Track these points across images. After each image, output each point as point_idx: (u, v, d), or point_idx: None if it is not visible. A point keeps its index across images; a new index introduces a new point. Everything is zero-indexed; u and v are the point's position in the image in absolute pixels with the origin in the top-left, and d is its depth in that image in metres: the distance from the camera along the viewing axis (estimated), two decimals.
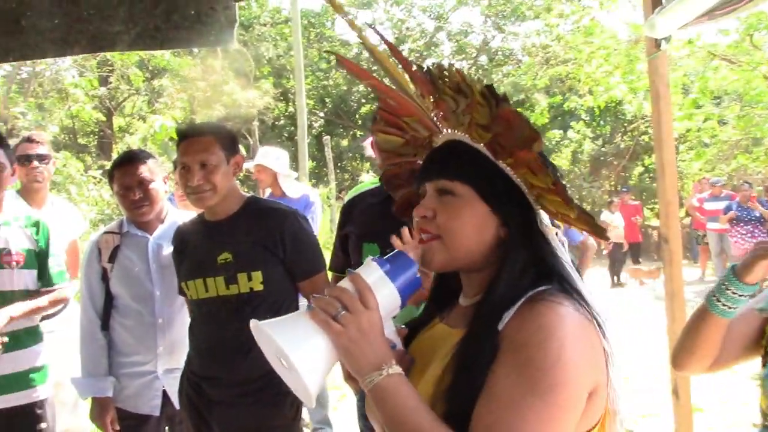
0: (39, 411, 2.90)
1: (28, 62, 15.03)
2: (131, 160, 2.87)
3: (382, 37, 1.37)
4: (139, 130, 15.36)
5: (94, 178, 13.18)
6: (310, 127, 19.66)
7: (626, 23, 11.92)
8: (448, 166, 1.24)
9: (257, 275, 2.43)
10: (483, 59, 25.94)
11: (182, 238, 2.64)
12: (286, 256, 2.46)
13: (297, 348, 1.09)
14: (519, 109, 1.15)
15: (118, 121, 19.47)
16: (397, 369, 1.12)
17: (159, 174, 2.90)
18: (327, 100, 25.08)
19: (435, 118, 1.30)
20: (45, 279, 2.97)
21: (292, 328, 1.12)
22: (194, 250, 2.55)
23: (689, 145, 13.89)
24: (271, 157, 4.83)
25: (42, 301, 2.91)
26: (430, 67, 1.20)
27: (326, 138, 15.70)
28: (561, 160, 20.97)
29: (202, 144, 2.45)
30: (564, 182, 1.15)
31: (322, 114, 25.16)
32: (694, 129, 11.86)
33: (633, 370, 6.31)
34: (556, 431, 1.06)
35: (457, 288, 1.34)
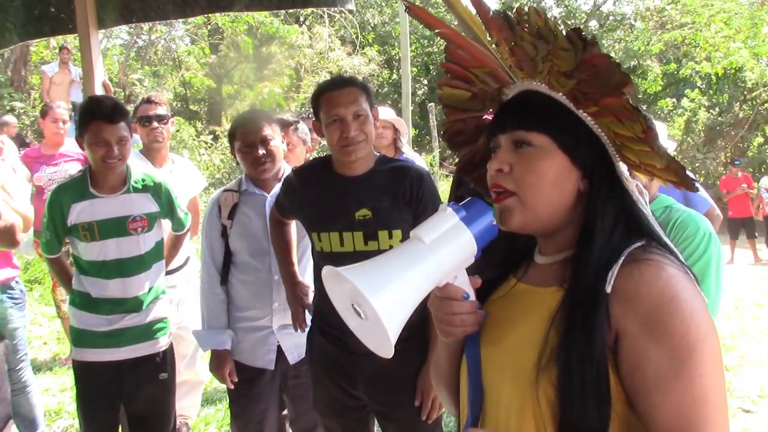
0: (159, 360, 3.03)
1: (144, 30, 15.63)
2: (254, 118, 2.91)
3: None
4: (248, 97, 15.74)
5: (206, 143, 13.64)
6: (413, 94, 19.57)
7: None
8: (525, 116, 1.17)
9: (398, 233, 2.41)
10: (593, 24, 25.02)
11: (305, 183, 2.60)
12: (418, 214, 2.42)
13: (377, 292, 1.05)
14: (631, 76, 1.08)
15: (227, 89, 20.01)
16: None
17: (279, 133, 2.93)
18: (431, 67, 24.84)
19: (510, 68, 1.21)
20: (176, 225, 3.18)
21: (375, 272, 1.09)
22: (326, 203, 2.51)
23: None
24: (392, 114, 4.77)
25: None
26: (508, 12, 1.12)
27: (430, 105, 15.57)
28: (673, 130, 20.04)
29: (352, 95, 2.42)
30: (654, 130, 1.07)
31: (426, 81, 24.97)
32: None
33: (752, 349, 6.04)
34: (723, 396, 1.04)
35: (526, 246, 1.30)
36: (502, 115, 1.22)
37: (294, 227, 2.84)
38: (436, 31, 1.25)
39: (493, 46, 1.19)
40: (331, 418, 2.67)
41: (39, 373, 5.28)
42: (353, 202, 2.44)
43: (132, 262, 2.92)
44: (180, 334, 3.64)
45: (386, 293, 1.05)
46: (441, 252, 1.11)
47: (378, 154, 2.62)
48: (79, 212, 2.86)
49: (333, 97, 2.42)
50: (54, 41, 12.98)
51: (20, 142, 7.61)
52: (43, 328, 6.42)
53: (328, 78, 2.66)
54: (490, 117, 1.31)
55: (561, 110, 1.15)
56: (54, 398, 4.80)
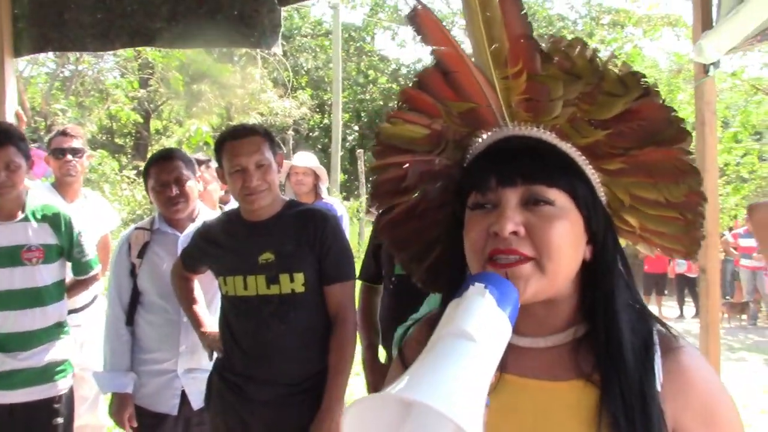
0: (56, 405, 2.88)
1: (71, 60, 15.29)
2: (169, 157, 2.86)
3: None
4: (176, 134, 15.53)
5: (128, 178, 13.33)
6: (344, 140, 19.74)
7: (669, 52, 11.84)
8: (542, 169, 0.97)
9: (299, 276, 2.40)
10: None
11: (215, 232, 2.60)
12: (322, 257, 2.42)
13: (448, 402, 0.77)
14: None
15: (155, 124, 19.68)
16: None
17: (194, 173, 2.89)
18: (363, 114, 25.15)
19: (509, 107, 1.01)
20: (77, 267, 3.01)
21: (442, 385, 0.79)
22: (232, 247, 2.51)
23: (727, 179, 13.68)
24: (314, 161, 4.79)
25: None
26: (545, 39, 0.94)
27: (359, 151, 15.73)
28: None
29: (255, 144, 2.42)
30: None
31: (356, 128, 25.23)
32: (733, 163, 11.67)
33: None
34: None
35: None
36: (504, 164, 0.99)
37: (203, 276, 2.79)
38: (432, 49, 0.99)
39: (504, 78, 0.97)
40: None
41: None
42: (257, 246, 2.44)
43: (25, 295, 2.78)
44: (82, 376, 3.48)
45: (466, 408, 0.79)
46: (490, 346, 0.87)
47: (287, 198, 2.63)
48: None
49: (235, 147, 2.42)
50: None
51: None
52: None
53: (234, 126, 2.62)
54: (436, 164, 1.12)
55: (569, 164, 1.00)
56: None
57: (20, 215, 2.80)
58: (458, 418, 0.75)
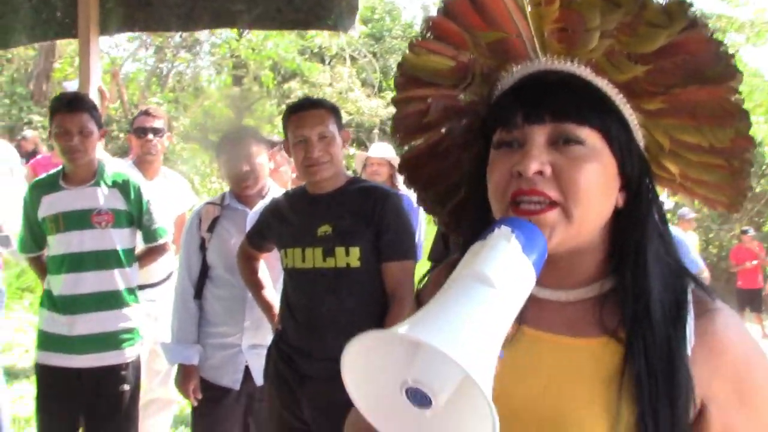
0: (123, 372, 2.95)
1: (168, 57, 15.87)
2: (241, 135, 2.91)
3: None
4: (267, 131, 15.86)
5: (218, 170, 13.68)
6: None
7: None
8: (573, 105, 0.89)
9: (355, 251, 2.38)
10: None
11: (282, 206, 2.61)
12: (381, 233, 2.39)
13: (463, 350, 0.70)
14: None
15: (247, 122, 20.18)
16: None
17: (266, 151, 2.92)
18: None
19: (542, 38, 0.93)
20: (146, 234, 3.08)
21: (449, 326, 0.73)
22: (294, 220, 2.52)
23: None
24: (390, 152, 4.78)
25: None
26: None
27: None
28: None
29: (319, 116, 2.43)
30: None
31: None
32: None
33: None
34: None
35: None
36: (532, 99, 0.91)
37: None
38: None
39: (536, 4, 0.90)
40: None
41: (16, 380, 5.21)
42: (316, 218, 2.44)
43: (94, 257, 2.86)
44: (155, 350, 3.58)
45: (476, 355, 0.71)
46: (510, 294, 0.79)
47: (351, 175, 2.62)
48: (48, 204, 2.85)
49: (299, 118, 2.43)
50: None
51: (34, 153, 7.70)
52: (27, 336, 6.35)
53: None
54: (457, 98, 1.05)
55: (604, 101, 0.92)
56: (27, 407, 4.71)
57: (91, 181, 2.90)
58: (466, 364, 0.68)
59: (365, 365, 0.78)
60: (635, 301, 0.89)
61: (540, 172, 0.87)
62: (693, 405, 0.85)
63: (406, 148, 1.13)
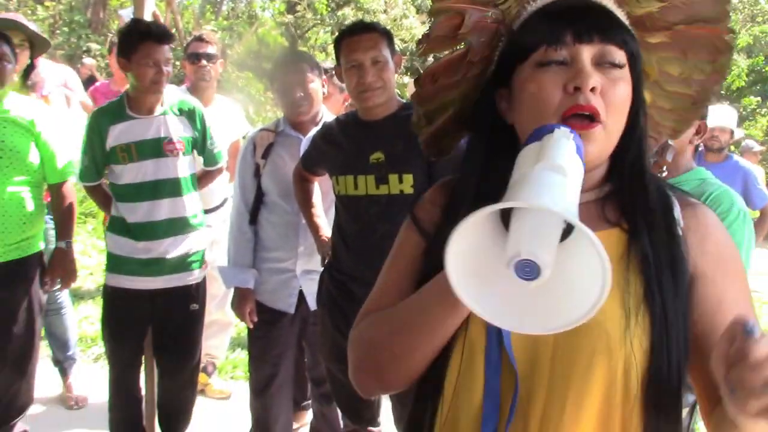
0: (194, 293, 3.06)
1: None
2: (295, 61, 2.89)
3: None
4: (320, 59, 15.75)
5: (273, 99, 13.70)
6: None
7: None
8: (615, 29, 0.96)
9: (408, 178, 2.37)
10: None
11: (333, 132, 2.59)
12: (431, 160, 2.37)
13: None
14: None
15: (301, 49, 20.05)
16: None
17: (318, 77, 2.89)
18: None
19: None
20: (208, 158, 3.14)
21: (549, 195, 0.77)
22: (346, 146, 2.50)
23: None
24: None
25: None
26: None
27: None
28: (755, 130, 19.14)
29: (372, 40, 2.38)
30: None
31: None
32: None
33: None
34: None
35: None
36: (578, 21, 0.96)
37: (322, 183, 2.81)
38: None
39: None
40: (332, 362, 2.65)
41: (82, 301, 5.44)
42: (369, 145, 2.42)
43: (167, 185, 2.92)
44: (212, 274, 3.66)
45: (577, 214, 0.77)
46: (576, 185, 0.84)
47: (403, 100, 2.56)
48: (118, 134, 2.87)
49: (352, 42, 2.39)
50: None
51: (91, 80, 7.79)
52: (91, 259, 6.59)
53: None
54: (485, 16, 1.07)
55: (629, 30, 1.00)
56: (92, 326, 4.92)
57: (159, 110, 2.93)
58: (578, 224, 0.72)
59: (464, 250, 0.79)
60: (635, 195, 1.01)
61: (593, 89, 0.93)
62: (688, 276, 0.98)
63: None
